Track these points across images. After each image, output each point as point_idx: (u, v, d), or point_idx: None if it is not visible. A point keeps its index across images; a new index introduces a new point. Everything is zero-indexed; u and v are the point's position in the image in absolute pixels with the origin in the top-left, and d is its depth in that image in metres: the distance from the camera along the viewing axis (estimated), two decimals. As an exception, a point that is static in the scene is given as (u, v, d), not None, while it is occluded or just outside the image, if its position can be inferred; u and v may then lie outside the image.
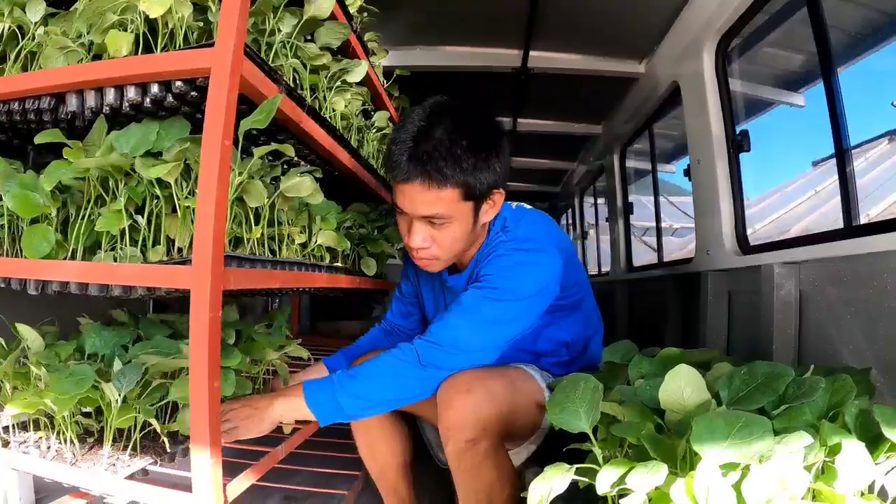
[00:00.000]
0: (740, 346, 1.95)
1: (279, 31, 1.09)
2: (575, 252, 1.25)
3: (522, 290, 1.05)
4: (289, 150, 0.98)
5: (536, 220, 1.16)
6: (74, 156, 0.86)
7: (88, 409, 0.95)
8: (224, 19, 0.80)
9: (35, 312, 1.12)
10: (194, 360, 0.78)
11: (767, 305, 1.61)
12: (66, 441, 0.92)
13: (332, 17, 1.22)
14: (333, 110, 1.35)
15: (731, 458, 0.66)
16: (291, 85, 1.05)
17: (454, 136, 0.99)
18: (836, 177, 1.53)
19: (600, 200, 4.87)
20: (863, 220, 1.51)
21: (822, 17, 1.56)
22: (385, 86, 1.94)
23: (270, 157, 1.14)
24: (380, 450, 1.31)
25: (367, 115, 1.68)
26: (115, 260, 0.88)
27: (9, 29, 0.97)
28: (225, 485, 0.83)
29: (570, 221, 6.13)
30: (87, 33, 0.90)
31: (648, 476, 0.68)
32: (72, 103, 0.90)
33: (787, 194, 4.37)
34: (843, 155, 1.51)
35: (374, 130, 1.71)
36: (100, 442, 0.92)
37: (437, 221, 1.03)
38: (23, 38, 0.98)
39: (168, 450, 0.92)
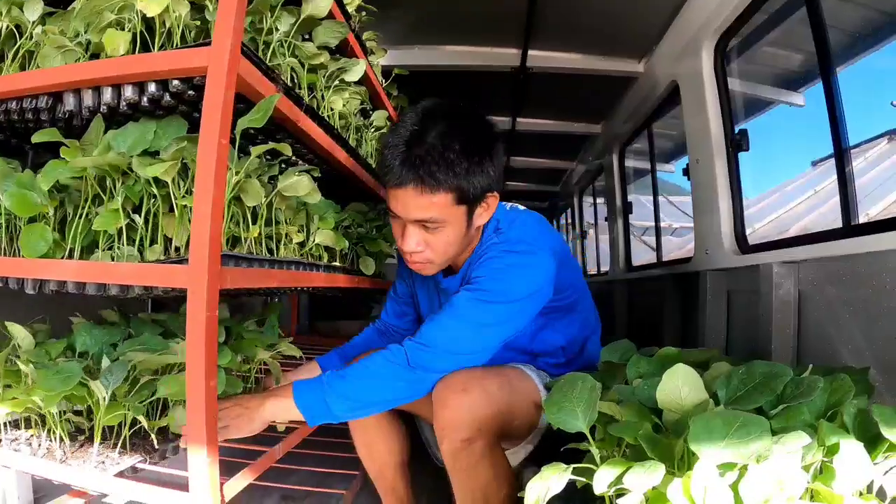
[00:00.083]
0: (739, 345, 1.95)
1: (277, 29, 1.09)
2: (569, 253, 1.24)
3: (513, 292, 1.03)
4: (286, 149, 0.98)
5: (529, 222, 1.15)
6: (72, 155, 0.86)
7: (79, 407, 0.95)
8: (221, 18, 0.80)
9: (34, 312, 1.12)
10: (191, 359, 0.78)
11: (766, 305, 1.61)
12: (56, 439, 0.92)
13: (330, 15, 1.22)
14: (331, 109, 1.35)
15: (729, 457, 0.66)
16: (289, 84, 1.05)
17: (447, 140, 0.99)
18: (835, 176, 1.53)
19: (599, 200, 4.88)
20: (862, 219, 1.50)
21: (821, 16, 1.56)
22: (383, 85, 1.94)
23: (268, 156, 1.14)
24: (378, 449, 1.31)
25: (365, 114, 1.68)
26: (113, 259, 0.88)
27: (6, 28, 0.98)
28: (222, 484, 0.83)
29: (570, 221, 6.14)
30: (85, 32, 0.90)
31: (646, 476, 0.68)
32: (69, 102, 0.90)
33: (787, 194, 4.36)
34: (842, 154, 1.51)
35: (372, 130, 1.70)
36: (91, 440, 0.91)
37: (430, 225, 1.03)
38: (20, 38, 0.98)
39: (157, 447, 0.92)
